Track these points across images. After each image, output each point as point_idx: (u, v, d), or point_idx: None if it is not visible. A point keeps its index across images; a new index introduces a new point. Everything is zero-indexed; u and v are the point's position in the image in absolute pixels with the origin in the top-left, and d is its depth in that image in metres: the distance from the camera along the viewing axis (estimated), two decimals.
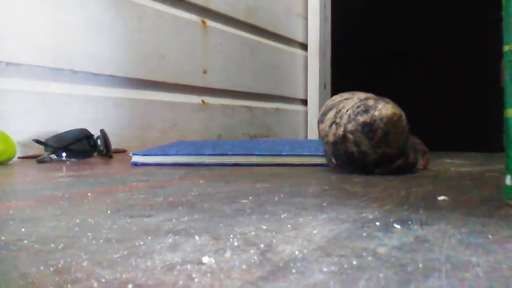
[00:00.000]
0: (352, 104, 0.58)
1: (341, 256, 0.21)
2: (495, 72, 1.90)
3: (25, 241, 0.24)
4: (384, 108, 0.55)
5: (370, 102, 0.57)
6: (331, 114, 0.59)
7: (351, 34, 2.18)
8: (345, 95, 0.62)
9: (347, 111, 0.58)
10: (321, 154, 0.70)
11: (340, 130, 0.57)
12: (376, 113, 0.55)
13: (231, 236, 0.25)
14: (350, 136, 0.56)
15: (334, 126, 0.58)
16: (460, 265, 0.19)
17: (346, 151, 0.57)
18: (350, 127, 0.56)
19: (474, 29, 1.97)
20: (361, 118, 0.55)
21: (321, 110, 0.62)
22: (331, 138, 0.58)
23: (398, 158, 0.57)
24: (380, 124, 0.54)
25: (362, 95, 0.60)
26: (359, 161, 0.57)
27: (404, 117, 0.56)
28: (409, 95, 1.93)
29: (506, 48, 0.33)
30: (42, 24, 0.93)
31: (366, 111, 0.55)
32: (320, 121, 0.60)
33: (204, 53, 1.34)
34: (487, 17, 1.92)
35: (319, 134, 0.61)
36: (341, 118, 0.57)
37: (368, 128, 0.55)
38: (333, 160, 0.61)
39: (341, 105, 0.59)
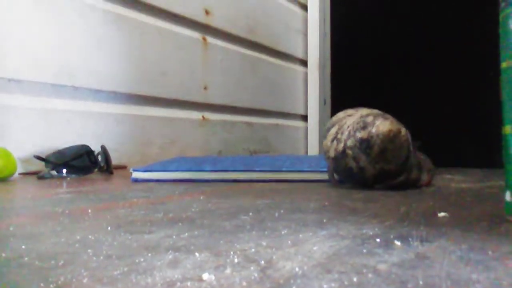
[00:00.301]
0: (353, 120, 0.59)
1: (341, 272, 0.21)
2: (495, 87, 1.91)
3: (26, 258, 0.24)
4: (381, 125, 0.56)
5: (369, 119, 0.57)
6: (333, 130, 0.60)
7: (351, 49, 2.19)
8: (349, 111, 0.63)
9: (348, 127, 0.59)
10: (321, 170, 0.70)
11: (340, 146, 0.58)
12: (373, 129, 0.56)
13: (231, 252, 0.25)
14: (349, 151, 0.57)
15: (335, 142, 0.59)
16: (460, 282, 0.19)
17: (346, 166, 0.58)
18: (349, 143, 0.57)
19: (474, 46, 1.98)
20: (359, 134, 0.56)
21: (326, 126, 0.63)
22: (332, 154, 0.59)
23: (399, 174, 0.58)
24: (377, 140, 0.55)
25: (364, 111, 0.61)
26: (358, 176, 0.58)
27: (404, 133, 0.56)
28: (408, 111, 1.93)
29: (503, 65, 0.34)
30: (44, 41, 0.94)
31: (364, 127, 0.57)
32: (324, 137, 0.62)
33: (204, 69, 1.35)
34: (490, 23, 1.93)
35: (322, 149, 0.61)
36: (342, 134, 0.59)
37: (366, 144, 0.56)
38: (335, 176, 0.61)
39: (344, 121, 0.60)
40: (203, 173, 0.73)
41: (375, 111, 0.61)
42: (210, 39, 1.38)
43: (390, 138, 0.55)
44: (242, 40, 1.52)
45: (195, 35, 1.32)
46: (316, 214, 0.38)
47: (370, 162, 0.56)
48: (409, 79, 2.11)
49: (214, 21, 1.38)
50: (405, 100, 2.11)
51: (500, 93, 0.36)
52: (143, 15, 1.16)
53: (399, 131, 0.56)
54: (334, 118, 0.63)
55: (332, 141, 0.59)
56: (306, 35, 1.87)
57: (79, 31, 1.01)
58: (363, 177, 0.58)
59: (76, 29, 1.00)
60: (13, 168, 0.78)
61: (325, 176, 0.70)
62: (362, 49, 2.20)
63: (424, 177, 0.62)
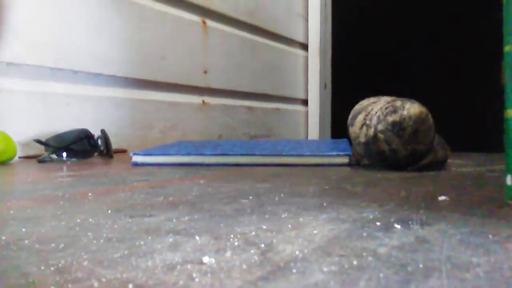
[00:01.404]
0: (380, 106, 0.62)
1: (341, 256, 0.21)
2: (495, 71, 1.90)
3: (26, 241, 0.24)
4: (412, 107, 0.59)
5: (398, 103, 0.60)
6: (360, 117, 0.63)
7: (352, 34, 2.18)
8: (372, 99, 0.66)
9: (376, 113, 0.61)
10: (321, 154, 0.70)
11: (371, 131, 0.61)
12: (405, 112, 0.59)
13: (232, 236, 0.25)
14: (381, 135, 0.60)
15: (364, 128, 0.62)
16: (460, 265, 0.19)
17: (378, 149, 0.61)
18: (380, 127, 0.60)
19: (475, 28, 1.97)
20: (390, 118, 0.59)
21: (350, 115, 0.66)
22: (362, 139, 0.62)
23: (427, 154, 0.61)
24: (410, 122, 0.58)
25: (388, 98, 0.64)
26: (390, 158, 0.61)
27: (430, 115, 0.60)
28: (409, 94, 1.93)
29: (506, 48, 0.33)
30: (43, 24, 0.93)
31: (394, 111, 0.59)
32: (350, 124, 0.65)
33: (204, 53, 1.35)
34: (488, 16, 1.92)
35: (350, 136, 0.66)
36: (370, 120, 0.61)
37: (398, 126, 0.58)
38: (365, 161, 0.66)
39: (369, 108, 0.63)
40: (203, 157, 0.73)
41: (396, 98, 0.64)
42: (210, 23, 1.37)
43: (422, 119, 0.58)
44: (242, 24, 1.50)
45: (195, 18, 1.31)
46: (316, 198, 0.38)
47: (402, 144, 0.59)
48: (409, 63, 2.10)
49: (214, 4, 1.36)
50: (405, 83, 2.10)
51: (502, 76, 0.35)
52: None
53: (427, 113, 0.59)
54: (358, 106, 0.66)
55: (361, 127, 0.62)
56: (307, 19, 1.85)
57: (78, 15, 1.00)
58: (395, 159, 0.60)
59: (75, 13, 0.99)
60: (13, 152, 0.78)
61: (324, 160, 0.70)
62: (363, 33, 2.19)
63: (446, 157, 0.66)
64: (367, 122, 0.62)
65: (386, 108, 0.60)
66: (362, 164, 0.70)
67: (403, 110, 0.59)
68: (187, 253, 0.22)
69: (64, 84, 0.98)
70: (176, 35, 1.24)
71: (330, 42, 1.92)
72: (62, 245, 0.23)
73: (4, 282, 0.18)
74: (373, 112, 0.62)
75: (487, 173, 0.59)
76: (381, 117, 0.60)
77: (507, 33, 0.33)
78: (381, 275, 0.18)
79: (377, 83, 2.12)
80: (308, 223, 0.28)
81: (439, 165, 0.64)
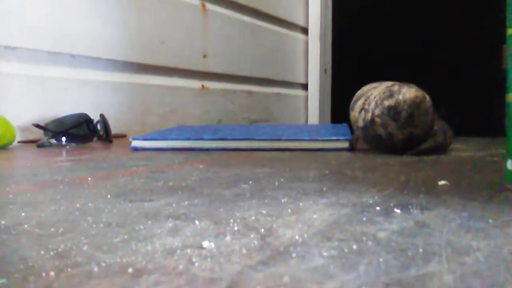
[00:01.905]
0: (378, 91, 0.63)
1: (341, 240, 0.21)
2: (496, 56, 1.89)
3: (25, 226, 0.24)
4: (407, 92, 0.60)
5: (395, 88, 0.61)
6: (360, 102, 0.65)
7: (352, 18, 2.16)
8: (373, 84, 0.68)
9: (374, 97, 0.63)
10: (321, 139, 0.70)
11: (368, 115, 0.62)
12: (400, 96, 0.60)
13: (231, 220, 0.25)
14: (377, 119, 0.61)
15: (363, 112, 0.63)
16: (460, 250, 0.19)
17: (375, 133, 0.62)
18: (377, 111, 0.61)
19: (476, 15, 1.95)
20: (386, 103, 0.60)
21: (353, 100, 0.67)
22: (360, 123, 0.64)
23: (426, 139, 0.62)
24: (404, 106, 0.59)
25: (389, 83, 0.65)
26: (387, 142, 0.62)
27: (428, 99, 0.61)
28: (410, 79, 1.92)
29: (509, 31, 0.33)
30: (41, 7, 0.92)
31: (391, 95, 0.60)
32: (351, 109, 0.67)
33: (204, 37, 1.34)
34: (489, 9, 1.90)
35: (350, 121, 0.67)
36: (369, 104, 0.63)
37: (394, 110, 0.60)
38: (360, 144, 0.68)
39: (369, 93, 0.65)
40: (203, 142, 0.73)
41: (397, 82, 0.65)
42: (210, 6, 1.35)
43: (417, 103, 0.59)
44: (242, 7, 1.49)
45: (195, 1, 1.30)
46: (316, 183, 0.38)
47: (398, 127, 0.60)
48: (409, 48, 2.09)
49: None
50: (405, 68, 2.09)
51: (504, 60, 0.35)
52: None
53: (424, 97, 0.60)
54: (359, 91, 0.68)
55: (360, 112, 0.64)
56: (307, 2, 1.84)
57: None
58: (392, 142, 0.61)
59: None
60: (12, 136, 0.77)
61: (324, 145, 0.70)
62: (363, 17, 2.17)
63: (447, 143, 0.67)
64: (366, 106, 0.63)
65: (383, 93, 0.62)
66: (360, 149, 0.71)
67: (399, 94, 0.60)
68: (187, 237, 0.22)
69: (62, 68, 0.97)
70: (175, 19, 1.23)
71: (330, 27, 1.90)
72: (62, 229, 0.23)
73: (4, 267, 0.18)
74: (372, 97, 0.63)
75: (487, 157, 0.59)
76: (379, 101, 0.61)
77: (510, 15, 0.33)
78: (381, 259, 0.18)
79: (377, 67, 2.11)
80: (308, 207, 0.28)
81: (440, 150, 0.65)
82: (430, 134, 0.62)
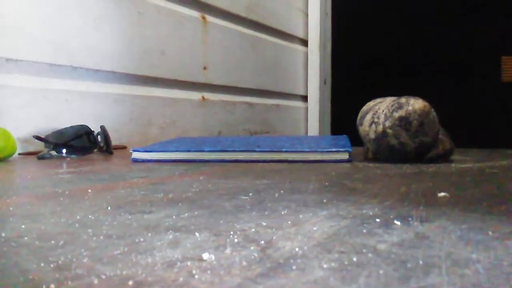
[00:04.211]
0: (386, 105, 0.67)
1: (341, 252, 0.21)
2: (495, 68, 1.90)
3: (26, 238, 0.24)
4: (416, 103, 0.64)
5: (403, 100, 0.65)
6: (368, 117, 0.68)
7: (352, 29, 2.17)
8: (378, 100, 0.72)
9: (383, 111, 0.66)
10: (321, 150, 0.70)
11: (380, 128, 0.65)
12: (410, 107, 0.64)
13: (231, 232, 0.25)
14: (389, 131, 0.64)
15: (373, 126, 0.66)
16: (460, 262, 0.19)
17: (388, 144, 0.65)
18: (387, 123, 0.64)
19: (475, 27, 1.96)
20: (397, 114, 0.64)
21: (359, 116, 0.71)
22: (372, 136, 0.67)
23: (434, 146, 0.66)
24: (415, 115, 0.63)
25: (393, 98, 0.69)
26: (400, 152, 0.65)
27: (432, 109, 0.65)
28: (409, 91, 1.93)
29: None
30: (42, 20, 0.93)
31: (400, 107, 0.64)
32: (360, 124, 0.69)
33: (204, 49, 1.34)
34: (488, 14, 1.91)
35: (360, 135, 0.70)
36: (378, 118, 0.66)
37: (405, 121, 0.63)
38: (376, 156, 0.72)
39: (376, 107, 0.68)
40: (203, 153, 0.73)
41: (402, 96, 0.69)
42: (210, 18, 1.36)
43: (426, 112, 0.64)
44: (242, 19, 1.50)
45: (195, 13, 1.31)
46: (316, 194, 0.38)
47: (410, 136, 0.64)
48: (409, 60, 2.10)
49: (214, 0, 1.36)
50: (404, 80, 2.10)
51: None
52: None
53: (430, 107, 0.64)
54: (365, 107, 0.71)
55: (370, 125, 0.67)
56: (307, 14, 1.85)
57: (77, 10, 0.99)
58: (404, 151, 0.65)
59: (74, 8, 0.99)
60: (13, 148, 0.78)
61: (324, 157, 0.70)
62: (362, 29, 2.18)
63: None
64: (375, 120, 0.66)
65: (392, 106, 0.65)
66: (373, 158, 0.74)
67: (408, 105, 0.64)
68: (187, 249, 0.22)
69: (63, 80, 0.98)
70: (175, 31, 1.24)
71: (330, 38, 1.91)
72: (62, 242, 0.23)
73: (4, 279, 0.18)
74: (380, 111, 0.66)
75: (487, 169, 0.59)
76: (388, 114, 0.65)
77: None
78: (381, 271, 0.18)
79: (376, 79, 2.12)
80: (308, 219, 0.28)
81: (448, 156, 0.70)
82: (437, 141, 0.67)
